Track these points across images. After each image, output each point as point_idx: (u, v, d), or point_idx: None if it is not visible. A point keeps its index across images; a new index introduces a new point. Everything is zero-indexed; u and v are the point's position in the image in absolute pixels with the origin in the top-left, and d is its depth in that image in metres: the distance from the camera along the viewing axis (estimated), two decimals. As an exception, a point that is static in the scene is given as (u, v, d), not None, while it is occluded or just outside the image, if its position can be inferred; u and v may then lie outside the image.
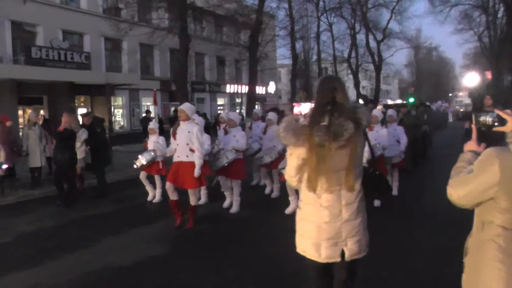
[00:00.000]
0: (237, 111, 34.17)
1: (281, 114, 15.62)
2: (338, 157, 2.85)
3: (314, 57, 43.65)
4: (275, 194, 9.78)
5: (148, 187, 9.79)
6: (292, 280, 4.82)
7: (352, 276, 3.12)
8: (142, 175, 9.68)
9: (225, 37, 36.90)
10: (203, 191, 9.19)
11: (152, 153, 9.31)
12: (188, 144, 7.06)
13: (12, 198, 10.46)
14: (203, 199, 9.17)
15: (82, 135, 10.28)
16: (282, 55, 44.10)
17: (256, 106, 30.48)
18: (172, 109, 32.99)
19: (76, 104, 24.16)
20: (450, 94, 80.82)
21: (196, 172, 6.99)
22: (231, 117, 8.58)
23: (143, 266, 5.70)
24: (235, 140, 8.27)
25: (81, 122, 11.37)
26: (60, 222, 8.29)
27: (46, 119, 17.36)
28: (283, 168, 7.64)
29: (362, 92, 47.97)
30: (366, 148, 3.23)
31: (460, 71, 73.59)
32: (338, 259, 2.98)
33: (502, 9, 35.18)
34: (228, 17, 28.44)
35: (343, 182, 2.93)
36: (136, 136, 24.29)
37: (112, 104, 26.17)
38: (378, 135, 8.70)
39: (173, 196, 7.37)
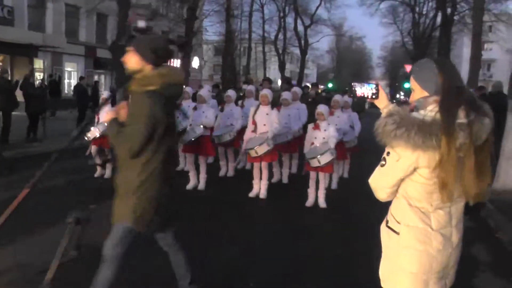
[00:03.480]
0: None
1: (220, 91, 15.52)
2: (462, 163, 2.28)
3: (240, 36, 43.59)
4: (230, 173, 9.70)
5: (99, 163, 9.11)
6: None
7: None
8: (94, 149, 9.03)
9: (154, 7, 35.71)
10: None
11: (106, 125, 8.83)
12: None
13: None
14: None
15: None
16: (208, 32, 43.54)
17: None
18: (96, 77, 31.65)
19: (-4, 63, 22.44)
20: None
21: None
22: (201, 94, 8.33)
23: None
24: (204, 116, 8.06)
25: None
26: (13, 194, 7.63)
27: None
28: (251, 148, 7.62)
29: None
30: None
31: (377, 61, 76.87)
32: None
33: (431, 13, 37.23)
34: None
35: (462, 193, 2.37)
36: (64, 103, 23.06)
37: (33, 66, 24.59)
38: (339, 120, 8.85)
39: None
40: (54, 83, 22.53)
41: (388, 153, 2.32)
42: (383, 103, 2.53)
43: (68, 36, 27.80)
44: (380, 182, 2.39)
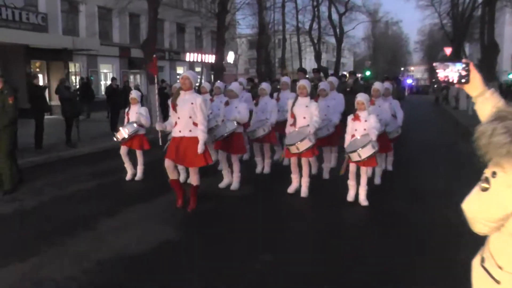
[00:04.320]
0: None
1: (254, 84, 15.02)
2: None
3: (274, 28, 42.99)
4: (266, 170, 9.22)
5: (128, 164, 8.78)
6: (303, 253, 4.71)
7: None
8: (123, 151, 8.68)
9: (185, 4, 35.56)
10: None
11: (135, 125, 8.53)
12: (191, 117, 6.33)
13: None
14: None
15: None
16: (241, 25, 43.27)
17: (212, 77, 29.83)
18: (131, 77, 31.67)
19: (31, 70, 22.54)
20: (402, 68, 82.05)
21: (200, 148, 6.29)
22: (232, 88, 7.87)
23: (152, 251, 5.07)
24: (237, 112, 7.60)
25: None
26: (41, 200, 7.39)
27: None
28: (292, 144, 7.09)
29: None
30: None
31: (414, 46, 74.61)
32: None
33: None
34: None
35: None
36: (99, 105, 22.97)
37: (69, 70, 24.70)
38: (381, 109, 8.22)
39: (173, 175, 6.64)
40: (86, 86, 22.51)
41: (494, 174, 1.55)
42: (477, 89, 1.86)
43: (102, 38, 27.79)
44: (480, 212, 1.62)
